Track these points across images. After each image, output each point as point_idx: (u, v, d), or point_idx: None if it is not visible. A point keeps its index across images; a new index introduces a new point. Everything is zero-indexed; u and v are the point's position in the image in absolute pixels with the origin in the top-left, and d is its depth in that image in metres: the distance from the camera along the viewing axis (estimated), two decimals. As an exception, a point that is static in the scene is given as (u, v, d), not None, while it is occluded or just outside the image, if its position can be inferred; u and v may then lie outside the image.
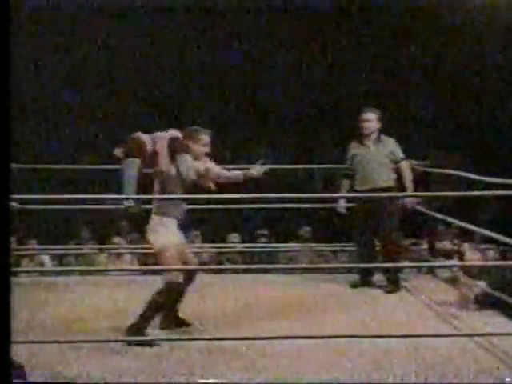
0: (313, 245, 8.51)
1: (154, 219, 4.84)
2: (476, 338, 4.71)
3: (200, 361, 4.38)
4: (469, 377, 4.18)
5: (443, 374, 4.22)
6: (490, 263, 6.00)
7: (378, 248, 6.33)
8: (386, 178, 6.18)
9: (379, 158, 6.19)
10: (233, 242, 8.66)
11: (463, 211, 8.08)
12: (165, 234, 4.78)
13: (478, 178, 5.38)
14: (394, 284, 6.14)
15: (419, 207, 6.75)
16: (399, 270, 6.34)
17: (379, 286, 6.22)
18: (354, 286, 6.26)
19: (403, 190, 6.20)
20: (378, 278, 6.33)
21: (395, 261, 6.15)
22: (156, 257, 4.90)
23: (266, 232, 9.26)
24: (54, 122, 11.88)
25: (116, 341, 4.65)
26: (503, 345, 4.58)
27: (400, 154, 6.25)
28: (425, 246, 7.40)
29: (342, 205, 6.37)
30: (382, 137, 6.28)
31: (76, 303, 5.71)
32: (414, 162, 6.61)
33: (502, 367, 4.30)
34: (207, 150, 4.93)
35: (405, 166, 6.24)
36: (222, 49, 12.15)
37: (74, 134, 11.78)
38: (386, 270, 6.23)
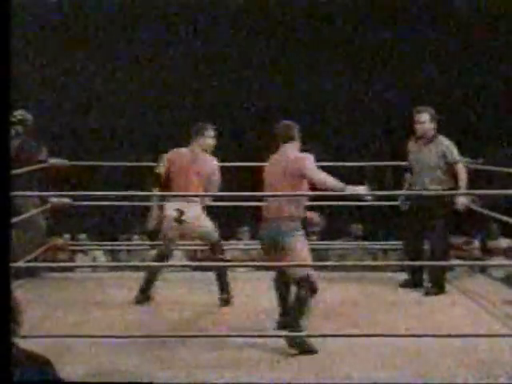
0: (365, 243, 8.46)
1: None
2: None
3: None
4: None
5: (496, 375, 4.18)
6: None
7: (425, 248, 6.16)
8: (436, 181, 6.00)
9: (429, 160, 6.02)
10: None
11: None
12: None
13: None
14: (436, 286, 5.95)
15: (473, 206, 6.64)
16: (445, 272, 6.08)
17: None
18: (403, 285, 6.17)
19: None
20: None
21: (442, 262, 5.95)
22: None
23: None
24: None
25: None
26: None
27: (453, 156, 6.01)
28: (477, 244, 7.31)
29: (403, 201, 6.21)
30: (438, 138, 6.07)
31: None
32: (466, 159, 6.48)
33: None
34: (213, 142, 5.68)
35: (460, 168, 6.00)
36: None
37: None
38: (430, 271, 6.05)
